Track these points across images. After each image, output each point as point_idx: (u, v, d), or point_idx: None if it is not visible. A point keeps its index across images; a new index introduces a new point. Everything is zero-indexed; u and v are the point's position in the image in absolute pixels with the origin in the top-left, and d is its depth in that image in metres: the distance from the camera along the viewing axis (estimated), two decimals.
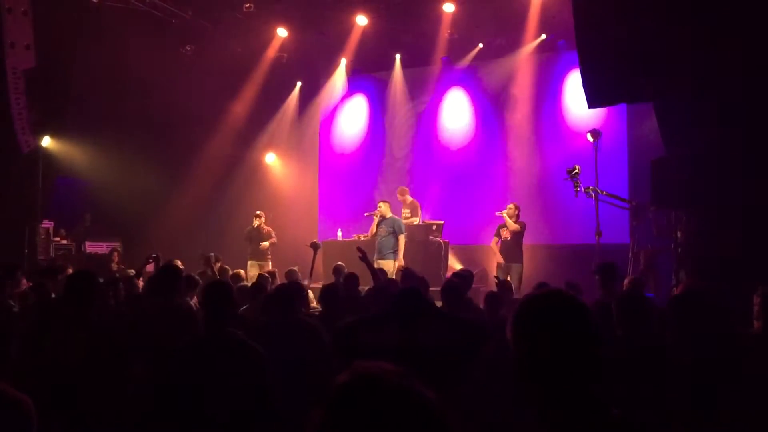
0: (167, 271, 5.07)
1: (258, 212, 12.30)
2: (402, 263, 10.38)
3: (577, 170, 9.68)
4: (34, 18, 10.19)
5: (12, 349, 2.91)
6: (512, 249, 10.68)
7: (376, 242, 10.78)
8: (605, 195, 9.91)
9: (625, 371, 3.49)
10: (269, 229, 12.27)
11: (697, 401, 3.41)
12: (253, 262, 11.90)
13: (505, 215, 10.77)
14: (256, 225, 12.13)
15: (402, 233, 10.78)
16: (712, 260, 7.28)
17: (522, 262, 10.67)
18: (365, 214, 11.68)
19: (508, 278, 9.87)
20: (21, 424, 2.69)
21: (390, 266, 10.31)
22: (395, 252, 10.61)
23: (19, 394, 2.74)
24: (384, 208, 10.96)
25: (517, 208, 10.97)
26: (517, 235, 10.71)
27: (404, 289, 3.84)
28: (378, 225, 10.89)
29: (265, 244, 11.99)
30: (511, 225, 10.69)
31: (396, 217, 11.14)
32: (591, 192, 9.71)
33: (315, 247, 9.76)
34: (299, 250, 11.22)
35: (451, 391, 2.99)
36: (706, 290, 3.98)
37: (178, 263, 7.77)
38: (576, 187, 9.69)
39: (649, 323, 3.87)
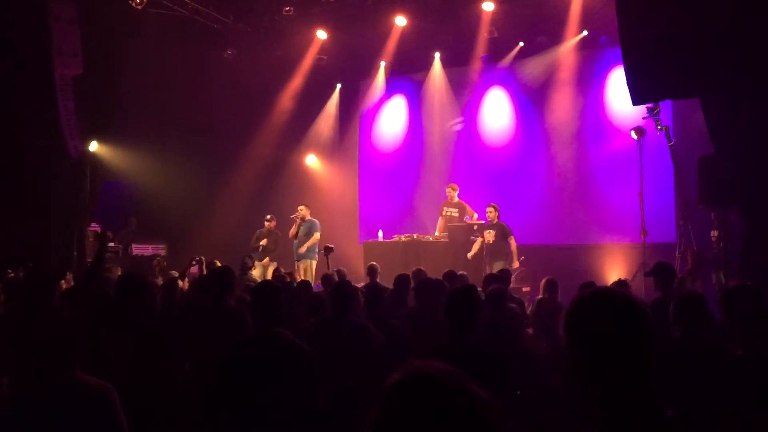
0: (219, 272, 5.12)
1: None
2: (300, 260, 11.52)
3: (658, 109, 9.64)
4: (80, 26, 10.44)
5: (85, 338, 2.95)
6: (497, 250, 10.89)
7: (294, 244, 11.69)
8: (670, 147, 9.90)
9: (684, 373, 3.41)
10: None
11: (758, 403, 3.32)
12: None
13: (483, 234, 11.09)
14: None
15: (317, 232, 11.70)
16: (762, 260, 7.08)
17: (505, 261, 10.71)
18: (291, 216, 12.00)
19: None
20: (106, 411, 2.71)
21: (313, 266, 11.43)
22: (317, 252, 11.44)
23: (101, 382, 2.76)
24: (304, 211, 11.79)
25: (495, 209, 11.13)
26: (499, 238, 10.89)
27: (458, 290, 3.80)
28: (299, 227, 11.71)
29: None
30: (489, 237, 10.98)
31: (314, 219, 11.89)
32: (667, 132, 9.67)
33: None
34: (339, 251, 11.26)
35: (503, 393, 2.96)
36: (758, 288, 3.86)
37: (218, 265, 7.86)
38: (657, 124, 9.70)
39: (707, 324, 3.81)
